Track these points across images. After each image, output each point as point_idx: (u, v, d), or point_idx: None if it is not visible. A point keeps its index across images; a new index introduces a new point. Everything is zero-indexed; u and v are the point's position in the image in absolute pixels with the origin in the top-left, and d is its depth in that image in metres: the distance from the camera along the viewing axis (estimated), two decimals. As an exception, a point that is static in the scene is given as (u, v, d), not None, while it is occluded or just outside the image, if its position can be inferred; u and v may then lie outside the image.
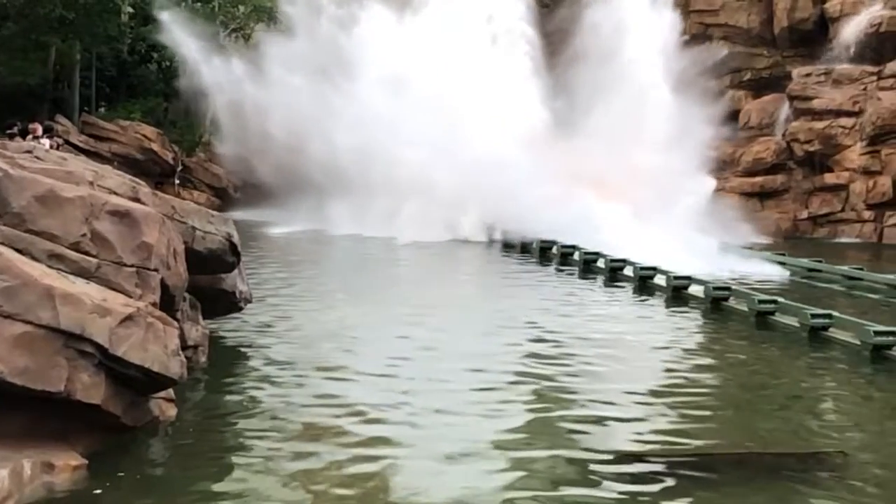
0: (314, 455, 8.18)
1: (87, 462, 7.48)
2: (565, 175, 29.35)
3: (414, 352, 12.28)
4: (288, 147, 32.18)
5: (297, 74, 33.21)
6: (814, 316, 14.17)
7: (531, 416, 9.65)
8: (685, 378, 11.52)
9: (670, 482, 7.83)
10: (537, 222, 26.09)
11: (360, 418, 9.23)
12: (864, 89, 36.86)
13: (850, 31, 37.39)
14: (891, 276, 20.44)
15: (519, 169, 28.41)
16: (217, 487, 7.47)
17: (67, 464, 7.37)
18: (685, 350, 13.47)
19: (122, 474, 7.59)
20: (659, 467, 8.17)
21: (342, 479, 7.64)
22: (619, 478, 7.88)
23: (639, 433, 9.11)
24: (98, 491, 7.23)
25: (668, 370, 12.06)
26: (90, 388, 7.48)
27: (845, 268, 22.49)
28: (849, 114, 36.83)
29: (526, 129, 31.87)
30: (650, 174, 30.36)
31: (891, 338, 12.82)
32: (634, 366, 12.54)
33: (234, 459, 8.16)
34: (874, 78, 36.78)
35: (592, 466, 8.12)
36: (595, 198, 27.84)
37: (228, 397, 10.04)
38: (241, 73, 35.26)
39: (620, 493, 7.57)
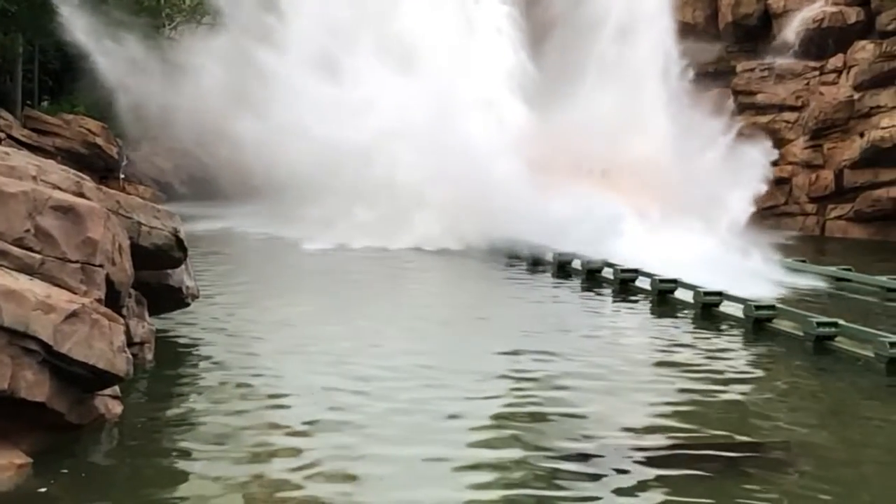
0: (261, 454, 8.15)
1: (31, 461, 7.40)
2: (560, 167, 27.51)
3: (366, 348, 12.27)
4: (230, 142, 30.80)
5: (237, 68, 31.20)
6: (893, 345, 12.09)
7: (497, 412, 9.69)
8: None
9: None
10: (537, 228, 22.62)
11: (311, 417, 9.21)
12: (807, 84, 37.38)
13: (793, 26, 37.88)
14: None
15: (507, 162, 25.64)
16: (162, 486, 7.43)
17: (11, 462, 7.28)
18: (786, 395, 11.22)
19: (66, 472, 7.52)
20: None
21: (290, 480, 7.59)
22: (577, 475, 7.94)
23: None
24: (43, 490, 7.15)
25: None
26: (34, 385, 7.39)
27: (883, 278, 19.61)
28: (792, 108, 37.35)
29: (510, 116, 29.23)
30: (652, 168, 28.25)
31: None
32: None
33: (180, 457, 8.11)
34: (816, 73, 37.30)
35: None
36: (600, 195, 24.65)
37: (175, 394, 9.98)
38: (182, 67, 34.31)
39: (575, 490, 7.68)
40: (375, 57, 28.97)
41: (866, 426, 10.03)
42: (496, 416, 9.54)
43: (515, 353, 12.29)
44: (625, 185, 27.38)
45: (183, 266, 11.73)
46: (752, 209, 26.56)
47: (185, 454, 8.16)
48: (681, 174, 27.70)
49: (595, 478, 7.88)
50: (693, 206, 24.26)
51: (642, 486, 7.71)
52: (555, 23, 33.28)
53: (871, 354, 12.34)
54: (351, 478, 7.70)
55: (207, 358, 11.57)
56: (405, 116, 26.65)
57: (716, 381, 11.22)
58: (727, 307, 15.70)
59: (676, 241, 21.22)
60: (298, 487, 7.45)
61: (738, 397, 10.67)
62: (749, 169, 26.65)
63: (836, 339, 13.27)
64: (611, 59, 31.72)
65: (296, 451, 8.19)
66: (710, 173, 27.09)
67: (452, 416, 9.47)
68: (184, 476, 7.67)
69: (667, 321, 15.50)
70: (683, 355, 12.78)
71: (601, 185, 27.76)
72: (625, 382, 11.16)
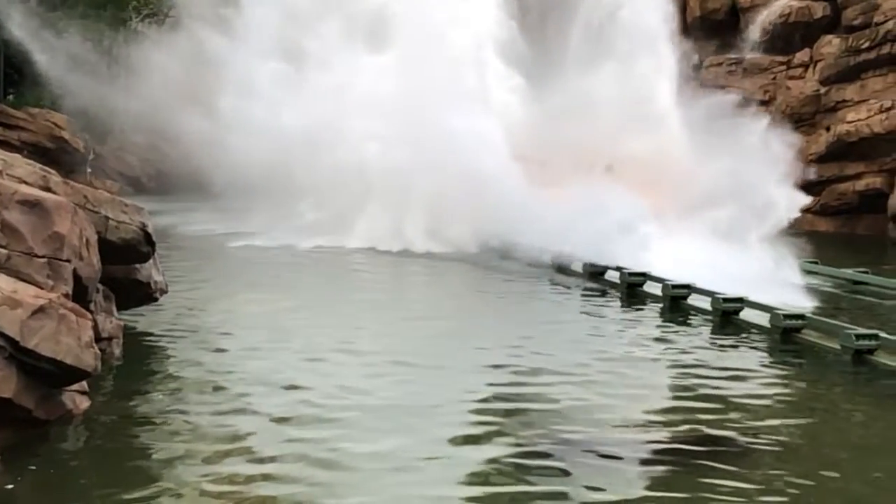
0: (228, 450, 8.08)
1: (-2, 457, 7.34)
2: (558, 161, 25.98)
3: (335, 344, 12.21)
4: (194, 136, 29.60)
5: (199, 61, 29.86)
6: None
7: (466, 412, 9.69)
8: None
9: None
10: (541, 229, 20.66)
11: (279, 415, 9.16)
12: (774, 79, 37.67)
13: (761, 21, 38.13)
14: None
15: (499, 152, 23.67)
16: (129, 483, 7.35)
17: (-22, 459, 7.22)
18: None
19: (34, 469, 7.46)
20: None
21: (257, 478, 7.55)
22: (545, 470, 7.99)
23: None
24: (10, 486, 7.09)
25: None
26: (1, 381, 7.31)
27: None
28: (759, 102, 37.61)
29: (500, 100, 27.35)
30: (662, 163, 26.48)
31: None
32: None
33: (147, 455, 8.06)
34: (784, 67, 37.60)
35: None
36: (612, 192, 22.17)
37: (143, 390, 9.91)
38: (147, 60, 33.58)
39: (542, 484, 7.72)
40: (343, 38, 27.26)
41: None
42: (473, 411, 9.56)
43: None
44: (632, 181, 24.81)
45: (151, 261, 11.66)
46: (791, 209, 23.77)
47: (153, 451, 8.10)
48: (695, 170, 25.74)
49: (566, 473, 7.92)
50: (712, 205, 22.37)
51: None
52: (550, 4, 31.90)
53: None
54: (320, 475, 7.66)
55: (176, 353, 11.52)
56: (377, 100, 24.81)
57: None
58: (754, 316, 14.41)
59: (702, 244, 19.61)
60: (264, 486, 7.40)
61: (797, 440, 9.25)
62: (774, 165, 24.26)
63: (876, 352, 12.24)
64: (611, 43, 29.79)
65: (263, 449, 8.13)
66: (728, 168, 24.53)
67: (424, 412, 9.46)
68: (150, 473, 7.62)
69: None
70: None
71: (606, 181, 25.54)
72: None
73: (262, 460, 7.90)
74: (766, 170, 23.43)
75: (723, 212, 21.56)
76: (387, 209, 23.72)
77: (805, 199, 25.43)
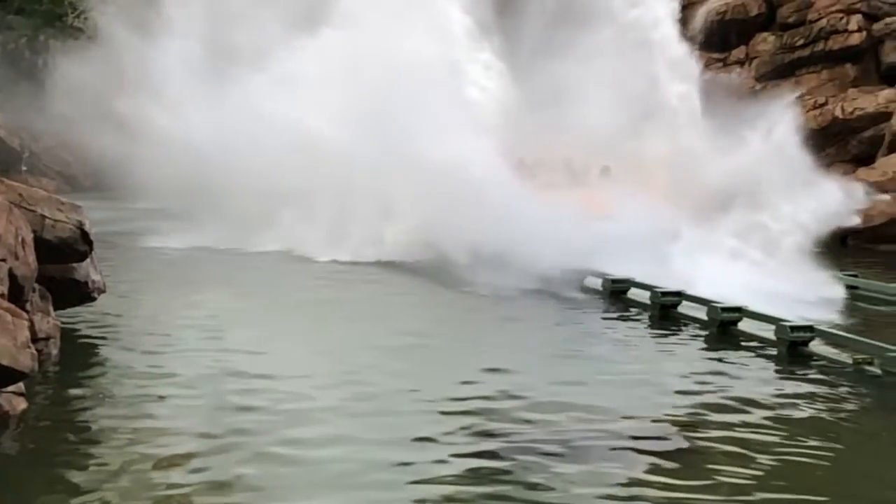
0: (168, 455, 7.97)
1: (-68, 459, 7.22)
2: (543, 164, 24.05)
3: (276, 347, 12.10)
4: (130, 134, 28.38)
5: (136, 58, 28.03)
6: None
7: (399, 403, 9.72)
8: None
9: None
10: (543, 242, 17.16)
11: (219, 413, 9.11)
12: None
13: (699, 18, 38.55)
14: None
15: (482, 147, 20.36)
16: (65, 485, 7.28)
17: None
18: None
19: (-32, 472, 7.35)
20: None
21: (197, 483, 7.46)
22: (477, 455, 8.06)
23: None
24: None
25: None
26: (-66, 383, 7.22)
27: None
28: (697, 99, 38.09)
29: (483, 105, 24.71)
30: (666, 167, 24.65)
31: None
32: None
33: (84, 457, 7.95)
34: (720, 65, 38.05)
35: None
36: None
37: (81, 391, 9.78)
38: (82, 57, 32.78)
39: (469, 469, 7.81)
40: (287, 27, 24.90)
41: None
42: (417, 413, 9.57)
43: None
44: (634, 184, 22.59)
45: (88, 260, 11.52)
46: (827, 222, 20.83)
47: (89, 456, 7.99)
48: (706, 169, 23.86)
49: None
50: (732, 209, 20.36)
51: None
52: None
53: None
54: (260, 480, 7.58)
55: (113, 354, 11.37)
56: (325, 91, 22.22)
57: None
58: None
59: (730, 257, 18.05)
60: (203, 492, 7.32)
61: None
62: (800, 172, 21.67)
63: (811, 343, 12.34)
64: (607, 35, 27.37)
65: (202, 455, 8.02)
66: (745, 174, 22.47)
67: (365, 417, 9.39)
68: (87, 473, 7.53)
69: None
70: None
71: (602, 187, 23.38)
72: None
73: (200, 469, 7.76)
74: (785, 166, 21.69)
75: (753, 217, 19.76)
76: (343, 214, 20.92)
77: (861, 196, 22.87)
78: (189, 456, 7.94)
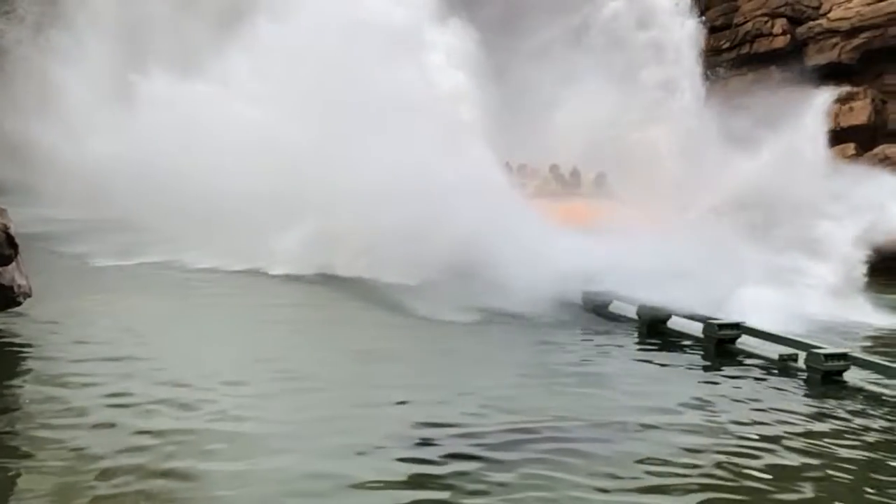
0: (94, 463, 7.78)
1: None
2: (526, 170, 22.02)
3: (209, 345, 12.02)
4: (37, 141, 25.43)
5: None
6: None
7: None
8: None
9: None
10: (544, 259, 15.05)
11: (148, 416, 8.99)
12: (641, 77, 38.55)
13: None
14: None
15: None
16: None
17: None
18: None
19: None
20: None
21: (120, 496, 7.27)
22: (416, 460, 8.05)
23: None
24: None
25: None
26: None
27: None
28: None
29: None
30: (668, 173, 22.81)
31: None
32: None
33: (7, 464, 7.73)
34: (651, 67, 38.53)
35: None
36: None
37: (4, 397, 9.56)
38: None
39: (413, 474, 7.78)
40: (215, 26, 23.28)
41: None
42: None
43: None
44: (634, 197, 20.58)
45: (14, 263, 11.30)
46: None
47: (13, 459, 7.78)
48: (716, 174, 22.02)
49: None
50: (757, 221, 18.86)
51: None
52: None
53: None
54: (178, 493, 7.39)
55: (38, 360, 11.11)
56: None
57: None
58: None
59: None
60: (143, 489, 7.22)
61: None
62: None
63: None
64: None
65: (138, 454, 7.93)
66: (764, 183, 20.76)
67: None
68: (8, 481, 7.35)
69: None
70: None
71: (597, 197, 21.54)
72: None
73: (139, 463, 7.68)
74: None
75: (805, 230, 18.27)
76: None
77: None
78: (113, 472, 7.67)
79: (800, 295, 16.42)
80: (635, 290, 14.81)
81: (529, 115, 23.67)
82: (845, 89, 29.99)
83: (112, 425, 8.77)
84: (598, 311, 15.69)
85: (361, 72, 18.31)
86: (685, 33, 27.56)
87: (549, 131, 23.82)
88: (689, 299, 14.15)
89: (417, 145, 16.96)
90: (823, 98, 25.20)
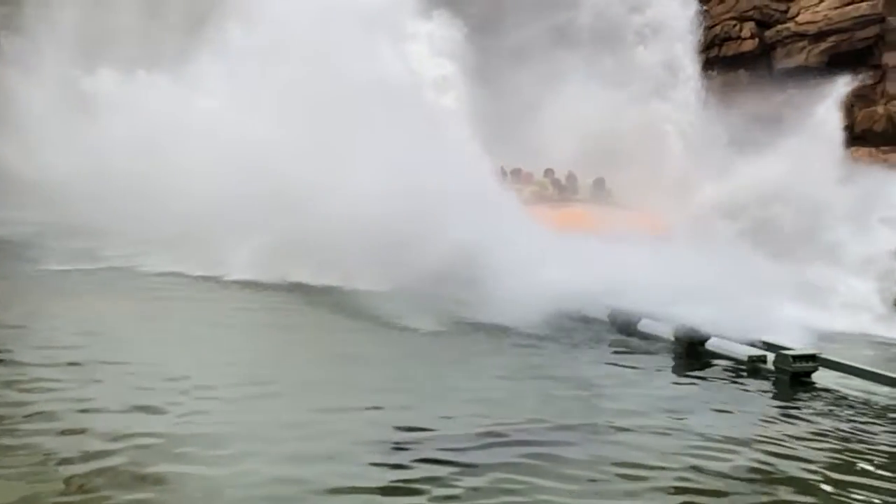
0: (61, 469, 7.67)
1: None
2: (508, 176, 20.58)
3: (174, 350, 11.90)
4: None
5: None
6: None
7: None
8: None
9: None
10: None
11: (115, 421, 8.85)
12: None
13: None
14: None
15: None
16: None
17: None
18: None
19: None
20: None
21: (97, 490, 7.25)
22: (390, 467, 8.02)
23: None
24: None
25: None
26: None
27: None
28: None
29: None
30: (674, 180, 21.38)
31: None
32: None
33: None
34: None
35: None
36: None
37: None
38: None
39: (383, 479, 7.74)
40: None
41: None
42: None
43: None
44: (634, 201, 19.28)
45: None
46: None
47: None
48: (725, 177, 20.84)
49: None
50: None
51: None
52: None
53: None
54: (142, 497, 7.29)
55: (2, 365, 10.89)
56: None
57: None
58: None
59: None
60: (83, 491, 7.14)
61: None
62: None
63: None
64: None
65: (89, 474, 7.65)
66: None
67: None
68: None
69: None
70: None
71: (596, 202, 20.31)
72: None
73: (93, 488, 7.40)
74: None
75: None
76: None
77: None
78: (74, 476, 7.56)
79: (849, 315, 15.31)
80: (663, 307, 13.44)
81: (516, 117, 22.60)
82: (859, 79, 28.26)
83: (79, 431, 8.64)
84: (625, 330, 14.28)
85: (339, 64, 17.08)
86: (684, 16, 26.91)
87: (536, 133, 22.72)
88: (723, 318, 12.94)
89: (402, 142, 15.83)
90: (838, 90, 24.02)
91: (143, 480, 7.51)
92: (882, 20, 31.27)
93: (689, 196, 20.87)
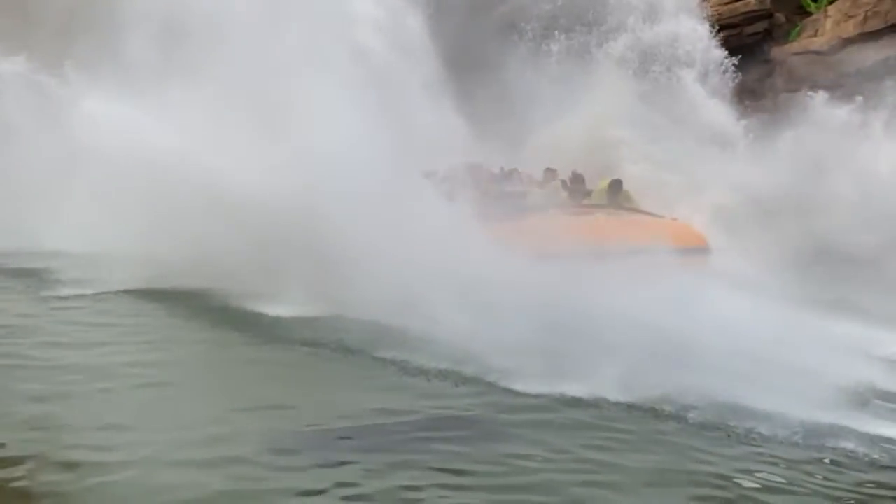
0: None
1: None
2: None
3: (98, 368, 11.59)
4: None
5: None
6: None
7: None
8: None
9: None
10: None
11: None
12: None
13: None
14: None
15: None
16: None
17: None
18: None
19: None
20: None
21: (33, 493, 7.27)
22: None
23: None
24: None
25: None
26: None
27: None
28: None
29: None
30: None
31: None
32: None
33: None
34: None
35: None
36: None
37: None
38: None
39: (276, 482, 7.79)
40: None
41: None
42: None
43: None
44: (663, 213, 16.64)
45: None
46: None
47: None
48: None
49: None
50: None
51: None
52: None
53: None
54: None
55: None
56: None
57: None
58: None
59: None
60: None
61: None
62: None
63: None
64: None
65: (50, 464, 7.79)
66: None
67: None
68: None
69: None
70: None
71: (618, 209, 17.08)
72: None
73: (45, 472, 7.61)
74: None
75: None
76: None
77: None
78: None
79: None
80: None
81: (497, 112, 20.15)
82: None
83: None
84: None
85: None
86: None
87: (520, 128, 20.67)
88: None
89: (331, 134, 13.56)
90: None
91: (42, 495, 7.40)
92: (770, 16, 32.08)
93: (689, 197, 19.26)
